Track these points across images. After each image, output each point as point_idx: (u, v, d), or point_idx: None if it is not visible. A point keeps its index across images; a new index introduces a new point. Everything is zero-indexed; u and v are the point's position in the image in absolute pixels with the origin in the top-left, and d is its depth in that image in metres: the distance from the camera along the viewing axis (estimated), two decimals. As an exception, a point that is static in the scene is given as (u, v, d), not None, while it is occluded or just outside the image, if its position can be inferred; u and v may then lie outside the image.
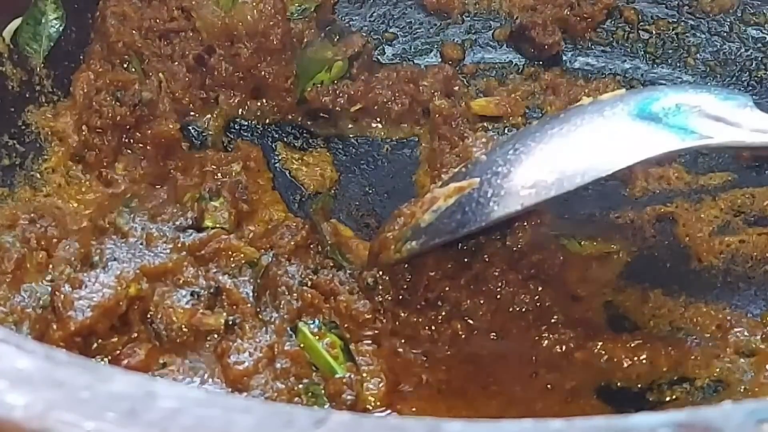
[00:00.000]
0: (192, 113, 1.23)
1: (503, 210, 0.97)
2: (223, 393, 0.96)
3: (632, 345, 1.04)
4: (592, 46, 1.33)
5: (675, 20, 1.32)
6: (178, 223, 1.10)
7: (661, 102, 1.00)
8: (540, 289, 1.07)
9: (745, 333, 1.05)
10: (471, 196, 0.99)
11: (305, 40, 1.25)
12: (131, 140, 1.17)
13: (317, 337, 1.01)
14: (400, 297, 1.05)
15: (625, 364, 1.03)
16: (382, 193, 1.20)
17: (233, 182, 1.14)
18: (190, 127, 1.22)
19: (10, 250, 1.04)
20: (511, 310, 1.06)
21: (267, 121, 1.24)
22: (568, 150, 0.98)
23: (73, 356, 0.61)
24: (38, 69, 1.18)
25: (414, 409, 0.99)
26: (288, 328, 1.02)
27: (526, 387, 1.01)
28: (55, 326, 0.97)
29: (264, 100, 1.24)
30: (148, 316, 1.01)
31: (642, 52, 1.32)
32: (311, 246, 1.10)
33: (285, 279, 1.06)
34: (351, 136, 1.25)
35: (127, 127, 1.16)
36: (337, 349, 1.00)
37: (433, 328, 1.05)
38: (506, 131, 1.24)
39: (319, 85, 1.23)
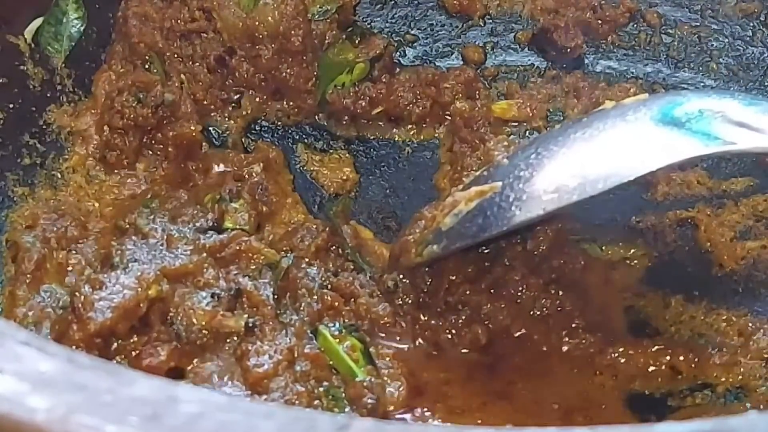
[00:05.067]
0: (213, 114, 1.23)
1: (525, 215, 0.97)
2: (245, 397, 0.96)
3: (653, 350, 1.04)
4: (614, 50, 1.32)
5: (698, 24, 1.32)
6: (198, 224, 1.09)
7: (684, 107, 0.99)
8: (560, 293, 1.07)
9: (767, 339, 1.05)
10: (492, 201, 0.99)
11: (326, 41, 1.24)
12: (152, 141, 1.17)
13: (337, 340, 1.01)
14: (421, 300, 1.05)
15: (646, 370, 1.03)
16: (402, 195, 1.20)
17: (253, 184, 1.14)
18: (211, 129, 1.22)
19: (30, 250, 1.04)
20: (531, 314, 1.06)
21: (288, 122, 1.24)
22: (591, 155, 0.98)
23: (96, 359, 0.61)
24: (59, 69, 1.19)
25: (434, 413, 0.99)
26: (308, 331, 1.02)
27: (548, 392, 1.01)
28: (75, 327, 0.97)
29: (285, 102, 1.24)
30: (168, 317, 1.01)
31: (664, 56, 1.31)
32: (331, 248, 1.10)
33: (305, 281, 1.06)
34: (372, 138, 1.25)
35: (149, 128, 1.16)
36: (358, 352, 1.00)
37: (453, 331, 1.05)
38: (527, 134, 1.23)
39: (340, 87, 1.23)
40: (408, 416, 0.98)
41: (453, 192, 1.04)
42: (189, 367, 0.99)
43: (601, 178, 0.95)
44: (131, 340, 1.00)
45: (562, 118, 1.25)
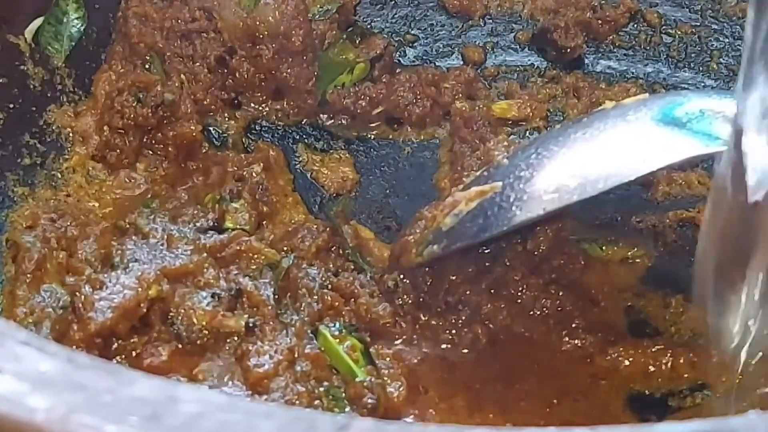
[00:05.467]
0: (213, 114, 1.23)
1: (525, 215, 0.97)
2: (245, 397, 0.96)
3: (653, 350, 1.04)
4: (614, 50, 1.32)
5: (698, 24, 1.32)
6: (198, 224, 1.09)
7: (684, 107, 0.99)
8: (561, 293, 1.06)
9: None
10: (493, 201, 0.99)
11: (327, 41, 1.25)
12: (152, 141, 1.17)
13: (338, 340, 1.01)
14: (421, 300, 1.05)
15: (646, 370, 1.03)
16: (402, 195, 1.20)
17: (254, 184, 1.14)
18: (211, 128, 1.22)
19: (30, 250, 1.04)
20: (531, 314, 1.06)
21: (288, 122, 1.24)
22: (591, 155, 0.98)
23: (96, 359, 0.61)
24: (60, 68, 1.18)
25: (435, 413, 0.99)
26: (308, 331, 1.02)
27: (547, 391, 1.01)
28: (75, 327, 0.97)
29: (285, 102, 1.24)
30: (169, 317, 1.01)
31: (664, 56, 1.31)
32: (332, 248, 1.10)
33: (305, 281, 1.06)
34: (372, 138, 1.25)
35: (149, 128, 1.16)
36: (358, 352, 1.00)
37: (453, 332, 1.04)
38: (527, 134, 1.23)
39: (340, 87, 1.23)
40: (410, 415, 0.98)
41: (453, 192, 1.04)
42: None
43: (602, 178, 0.95)
44: (131, 340, 1.00)
45: (562, 118, 1.25)
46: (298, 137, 1.24)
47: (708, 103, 1.00)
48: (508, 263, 1.06)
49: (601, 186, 0.95)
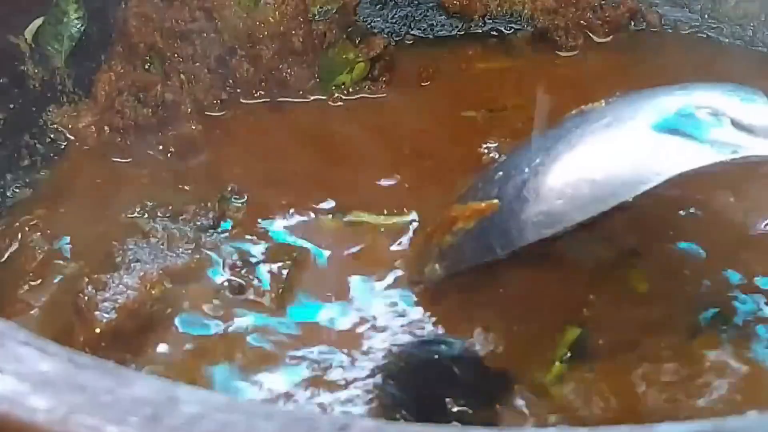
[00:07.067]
0: (213, 114, 1.23)
1: (525, 240, 0.92)
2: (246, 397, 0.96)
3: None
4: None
5: (698, 24, 1.32)
6: (199, 223, 1.10)
7: (684, 108, 0.97)
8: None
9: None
10: (492, 221, 0.95)
11: (327, 41, 1.25)
12: (153, 141, 1.17)
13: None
14: None
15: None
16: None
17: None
18: (211, 129, 1.22)
19: (34, 250, 1.05)
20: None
21: (288, 122, 1.24)
22: (592, 169, 0.94)
23: (96, 359, 0.61)
24: (60, 68, 1.18)
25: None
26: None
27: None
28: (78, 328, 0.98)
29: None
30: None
31: (665, 56, 1.31)
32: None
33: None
34: (371, 137, 1.25)
35: (149, 127, 1.16)
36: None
37: None
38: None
39: (340, 87, 1.23)
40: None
41: (450, 206, 1.01)
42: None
43: (601, 197, 0.91)
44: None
45: (562, 118, 1.25)
46: (298, 137, 1.24)
47: (711, 99, 0.97)
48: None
49: (602, 207, 0.91)
